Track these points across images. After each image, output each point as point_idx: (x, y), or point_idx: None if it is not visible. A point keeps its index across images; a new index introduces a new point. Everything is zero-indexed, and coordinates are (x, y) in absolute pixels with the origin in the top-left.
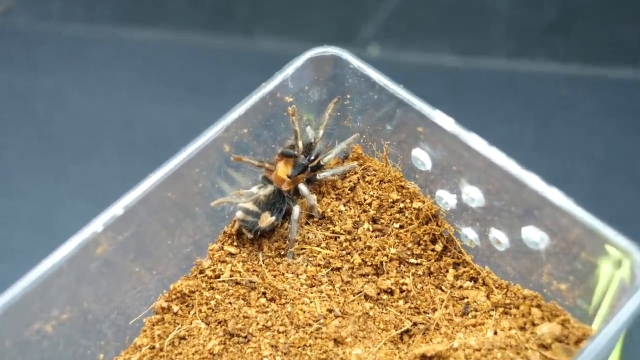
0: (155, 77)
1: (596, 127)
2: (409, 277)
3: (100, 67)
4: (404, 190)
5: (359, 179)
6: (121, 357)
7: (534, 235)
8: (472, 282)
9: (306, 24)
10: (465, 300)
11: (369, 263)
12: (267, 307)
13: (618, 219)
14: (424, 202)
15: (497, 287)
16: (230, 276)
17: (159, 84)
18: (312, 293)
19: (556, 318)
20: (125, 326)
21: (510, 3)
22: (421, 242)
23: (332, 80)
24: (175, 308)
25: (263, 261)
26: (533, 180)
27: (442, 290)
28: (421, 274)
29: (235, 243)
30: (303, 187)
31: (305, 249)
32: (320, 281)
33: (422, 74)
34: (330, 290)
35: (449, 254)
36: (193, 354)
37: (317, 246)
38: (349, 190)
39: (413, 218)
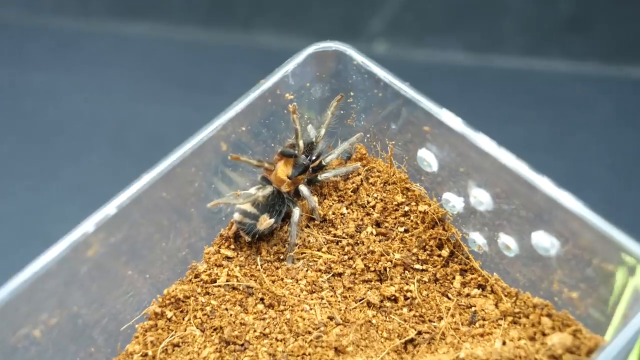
0: (150, 74)
1: (613, 129)
2: (413, 283)
3: (93, 62)
4: (409, 193)
5: (362, 181)
6: None
7: (544, 241)
8: (480, 289)
9: (308, 18)
10: (473, 308)
11: (372, 269)
12: (265, 313)
13: (634, 224)
14: (430, 205)
15: (506, 295)
16: (227, 281)
17: (154, 80)
18: (312, 299)
19: (567, 328)
20: (116, 332)
21: None
22: (427, 247)
23: (335, 77)
24: (169, 314)
25: (261, 265)
26: (544, 184)
27: (449, 298)
28: (426, 280)
29: (232, 246)
30: (304, 189)
31: (305, 253)
32: (321, 287)
33: (431, 72)
34: (332, 296)
35: (455, 259)
36: None
37: (318, 250)
38: (351, 192)
39: (418, 222)
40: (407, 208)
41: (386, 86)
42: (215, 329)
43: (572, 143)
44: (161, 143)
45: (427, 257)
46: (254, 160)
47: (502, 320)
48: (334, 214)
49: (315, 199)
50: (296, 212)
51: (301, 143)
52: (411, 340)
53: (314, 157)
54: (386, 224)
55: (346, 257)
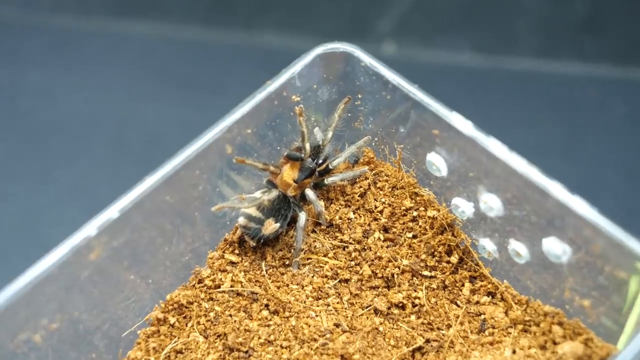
0: (150, 73)
1: (628, 132)
2: (422, 290)
3: (92, 61)
4: (417, 198)
5: (369, 185)
6: None
7: (556, 248)
8: (490, 297)
9: (313, 18)
10: (482, 316)
11: (380, 275)
12: (270, 320)
13: None
14: (439, 210)
15: (516, 303)
16: (231, 286)
17: (154, 80)
18: (318, 306)
19: (579, 336)
20: (118, 338)
21: None
22: (435, 253)
23: (342, 79)
24: (171, 320)
25: (266, 271)
26: (556, 189)
27: (458, 306)
28: (435, 287)
29: (236, 251)
30: (310, 193)
31: (311, 258)
32: (327, 293)
33: (441, 74)
34: (338, 303)
35: (465, 266)
36: None
37: (324, 256)
38: (359, 196)
39: (427, 227)
40: (415, 213)
41: (395, 88)
42: (219, 336)
43: (585, 147)
44: (161, 144)
45: (436, 264)
46: (260, 163)
47: (512, 328)
48: (340, 218)
49: (322, 203)
50: (302, 217)
51: (308, 146)
52: (419, 349)
53: (320, 161)
54: (394, 230)
55: (353, 263)
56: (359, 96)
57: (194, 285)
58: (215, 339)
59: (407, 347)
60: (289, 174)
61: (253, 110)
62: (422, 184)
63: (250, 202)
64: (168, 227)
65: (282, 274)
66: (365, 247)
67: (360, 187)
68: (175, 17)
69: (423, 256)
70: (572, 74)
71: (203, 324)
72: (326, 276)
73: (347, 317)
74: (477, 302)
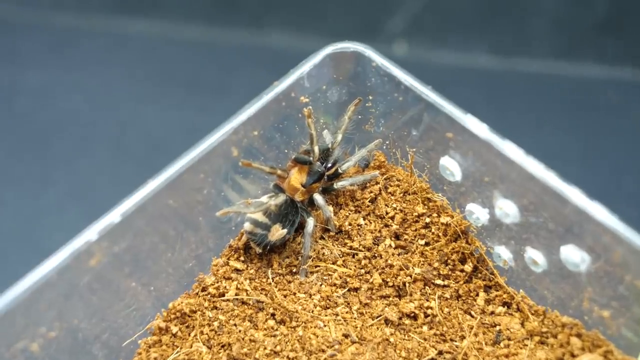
0: (152, 74)
1: None
2: (434, 300)
3: (92, 61)
4: (430, 203)
5: (380, 190)
6: None
7: (574, 256)
8: (505, 307)
9: (323, 17)
10: (497, 327)
11: (391, 284)
12: (276, 330)
13: None
14: (452, 216)
15: (532, 314)
16: (236, 295)
17: (156, 81)
18: (326, 315)
19: (598, 349)
20: (118, 348)
21: None
22: (449, 261)
23: (352, 80)
24: (174, 329)
25: (272, 279)
26: (574, 195)
27: (472, 316)
28: (448, 297)
29: (242, 258)
30: (318, 198)
31: (319, 266)
32: (336, 302)
33: (455, 76)
34: (347, 313)
35: (479, 275)
36: None
37: (333, 263)
38: (369, 202)
39: (440, 234)
40: (428, 219)
41: (407, 90)
42: (223, 346)
43: (605, 153)
44: (163, 147)
45: (449, 272)
46: (266, 166)
47: (528, 340)
48: (350, 225)
49: (331, 208)
50: (310, 223)
51: (316, 149)
52: None
53: (329, 165)
54: (406, 237)
55: (363, 271)
56: (370, 97)
57: (197, 294)
58: (219, 349)
59: (419, 359)
60: (296, 178)
61: (260, 111)
62: (435, 189)
63: (256, 207)
64: (171, 233)
65: (289, 282)
66: (376, 255)
67: (371, 192)
68: (179, 15)
69: (436, 264)
70: (590, 76)
71: (206, 333)
72: (335, 284)
73: (357, 327)
74: (492, 313)
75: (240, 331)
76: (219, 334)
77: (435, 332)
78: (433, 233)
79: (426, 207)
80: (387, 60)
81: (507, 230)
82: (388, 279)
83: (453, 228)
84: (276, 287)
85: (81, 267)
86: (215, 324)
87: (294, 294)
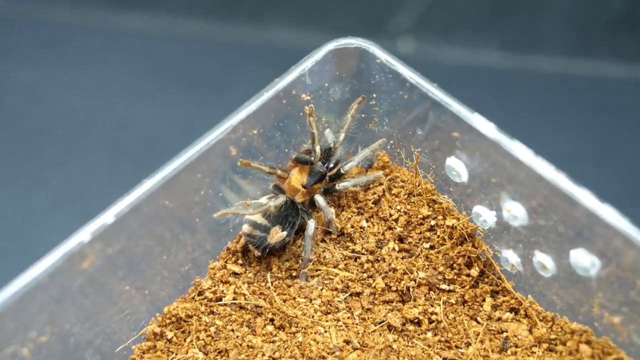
0: (149, 71)
1: None
2: (439, 305)
3: (86, 57)
4: (435, 205)
5: (384, 191)
6: None
7: (584, 260)
8: (513, 313)
9: (327, 12)
10: (504, 334)
11: (394, 288)
12: (275, 335)
13: None
14: (458, 219)
15: (541, 320)
16: (234, 299)
17: (153, 79)
18: (327, 321)
19: (608, 356)
20: (111, 354)
21: None
22: (454, 265)
23: (356, 77)
24: (169, 334)
25: (272, 283)
26: (584, 197)
27: (478, 322)
28: (454, 302)
29: (240, 261)
30: (320, 199)
31: (320, 270)
32: (337, 308)
33: (463, 74)
34: (348, 318)
35: (486, 280)
36: None
37: (335, 267)
38: (372, 203)
39: (446, 237)
40: (433, 222)
41: (412, 87)
42: (219, 352)
43: (620, 155)
44: (160, 147)
45: (455, 277)
46: (266, 166)
47: (536, 347)
48: (352, 227)
49: (333, 210)
50: (311, 225)
51: (318, 149)
52: None
53: (331, 165)
54: (410, 240)
55: (365, 275)
56: (374, 95)
57: (193, 298)
58: (216, 355)
59: None
60: (297, 178)
61: (260, 109)
62: (440, 191)
63: (255, 209)
64: (167, 235)
65: (289, 286)
66: (379, 258)
67: (374, 193)
68: (177, 10)
69: (441, 268)
70: (605, 75)
71: (203, 339)
72: (336, 289)
73: (359, 333)
74: (499, 319)
75: (237, 337)
76: (216, 340)
77: (440, 338)
78: (438, 236)
79: (431, 209)
80: (391, 56)
81: (515, 234)
82: (391, 284)
83: (459, 231)
84: (275, 291)
85: (73, 270)
86: (212, 329)
87: (294, 298)
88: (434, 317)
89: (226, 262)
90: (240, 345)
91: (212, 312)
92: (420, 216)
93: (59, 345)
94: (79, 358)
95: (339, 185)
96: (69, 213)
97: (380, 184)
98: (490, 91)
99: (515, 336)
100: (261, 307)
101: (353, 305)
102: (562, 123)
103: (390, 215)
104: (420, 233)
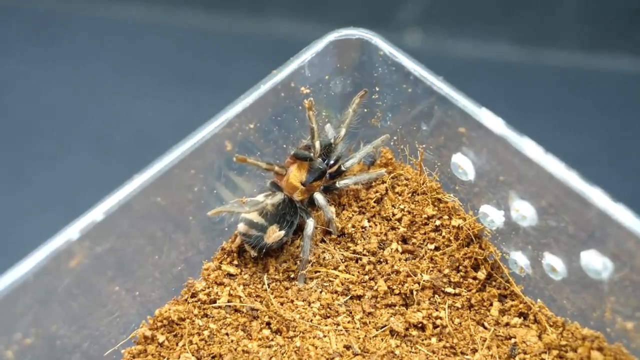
0: (143, 64)
1: None
2: (444, 309)
3: (76, 49)
4: (441, 205)
5: (387, 190)
6: None
7: (595, 262)
8: (521, 318)
9: (330, 3)
10: (513, 340)
11: (397, 291)
12: (272, 340)
13: None
14: (465, 219)
15: (551, 325)
16: (229, 302)
17: (147, 71)
18: (326, 325)
19: None
20: (99, 358)
21: None
22: (460, 267)
23: (358, 69)
24: (160, 338)
25: (268, 285)
26: (596, 196)
27: (485, 327)
28: (459, 306)
29: (235, 262)
30: (319, 197)
31: (319, 271)
32: (337, 311)
33: (473, 68)
34: (349, 322)
35: (493, 283)
36: None
37: (335, 269)
38: (374, 202)
39: (451, 238)
40: (438, 222)
41: (417, 81)
42: (213, 357)
43: (637, 154)
44: (153, 144)
45: (461, 280)
46: (263, 162)
47: (546, 354)
48: (353, 227)
49: (333, 209)
50: (310, 224)
51: (318, 144)
52: None
53: (332, 161)
54: (414, 240)
55: (367, 277)
56: (377, 89)
57: (186, 300)
58: None
59: None
60: (296, 175)
61: (257, 102)
62: (446, 189)
63: (251, 207)
64: (158, 234)
65: (287, 288)
66: (381, 260)
67: (377, 191)
68: (172, 1)
69: (446, 271)
70: (623, 70)
71: (196, 343)
72: (336, 292)
73: (359, 338)
74: (507, 324)
75: (232, 341)
76: (210, 344)
77: (444, 344)
78: (443, 237)
79: (436, 208)
80: (395, 48)
81: (524, 235)
82: (394, 286)
83: (465, 231)
84: (272, 293)
85: (60, 269)
86: (206, 333)
87: (292, 301)
88: (438, 321)
89: (221, 262)
90: (235, 350)
91: (206, 315)
92: (425, 216)
93: (45, 348)
94: None
95: (340, 183)
96: (56, 213)
97: (383, 182)
98: (500, 86)
99: (524, 342)
100: (257, 310)
101: (354, 309)
102: (576, 121)
103: (393, 215)
104: (425, 233)
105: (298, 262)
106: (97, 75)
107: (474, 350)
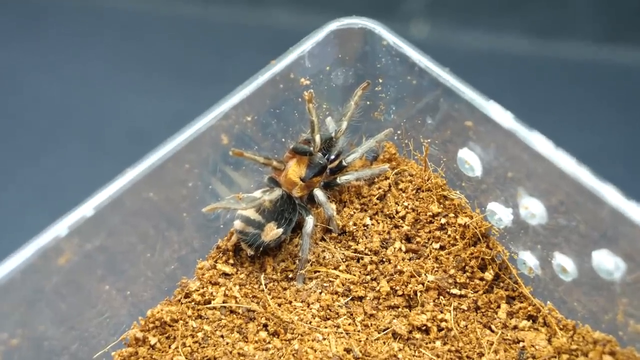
0: (136, 55)
1: None
2: (449, 311)
3: (66, 40)
4: (446, 202)
5: (390, 186)
6: None
7: (607, 262)
8: (530, 321)
9: None
10: (521, 344)
11: (400, 292)
12: (269, 343)
13: None
14: (471, 217)
15: (561, 329)
16: (224, 302)
17: (140, 63)
18: (326, 327)
19: None
20: None
21: None
22: (467, 268)
23: (360, 60)
24: (152, 340)
25: (265, 285)
26: (608, 193)
27: (492, 331)
28: (465, 308)
29: (231, 261)
30: (319, 194)
31: (319, 271)
32: (337, 313)
33: (482, 61)
34: (350, 325)
35: (501, 284)
36: None
37: (335, 269)
38: (377, 199)
39: (457, 237)
40: (443, 220)
41: (422, 72)
42: None
43: None
44: (146, 140)
45: (467, 281)
46: (261, 157)
47: (555, 358)
48: (355, 225)
49: (333, 206)
50: (309, 222)
51: (318, 138)
52: None
53: (332, 156)
54: (418, 239)
55: (369, 277)
56: (380, 81)
57: (179, 300)
58: None
59: None
60: (295, 170)
61: (254, 94)
62: (452, 186)
63: (248, 203)
64: (151, 231)
65: (285, 289)
66: (384, 259)
67: (379, 188)
68: None
69: (452, 271)
70: (638, 64)
71: (189, 345)
72: (336, 292)
73: (361, 341)
74: (515, 327)
75: (227, 344)
76: (204, 347)
77: (449, 348)
78: (449, 236)
79: (442, 206)
80: (399, 38)
81: (533, 234)
82: (397, 287)
83: (472, 230)
84: (269, 294)
85: (48, 267)
86: (200, 335)
87: (290, 302)
88: (443, 324)
89: (216, 261)
90: (231, 352)
91: (200, 316)
92: (430, 213)
93: (32, 349)
94: None
95: (341, 179)
96: (43, 211)
97: (386, 178)
98: (509, 80)
99: (533, 346)
100: (254, 311)
101: (355, 311)
102: (590, 116)
103: (397, 212)
104: (430, 232)
105: (297, 261)
106: (88, 66)
107: (481, 355)
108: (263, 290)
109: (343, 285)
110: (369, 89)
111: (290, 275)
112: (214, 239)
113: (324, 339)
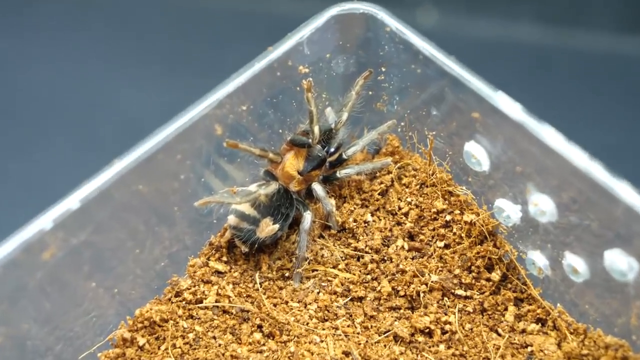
0: (127, 42)
1: None
2: (454, 314)
3: (54, 28)
4: (452, 198)
5: (393, 181)
6: None
7: (620, 263)
8: (539, 324)
9: None
10: (529, 348)
11: (402, 293)
12: (263, 345)
13: None
14: (478, 214)
15: (571, 333)
16: (216, 302)
17: (132, 51)
18: (323, 329)
19: None
20: None
21: None
22: (473, 267)
23: (362, 47)
24: (141, 341)
25: (260, 284)
26: (622, 189)
27: (499, 334)
28: (471, 310)
29: (224, 258)
30: (318, 188)
31: (317, 270)
32: (336, 314)
33: (492, 50)
34: (349, 326)
35: (509, 285)
36: None
37: (334, 267)
38: (379, 194)
39: (463, 235)
40: (448, 217)
41: (427, 61)
42: None
43: None
44: (138, 132)
45: (473, 281)
46: (256, 149)
47: None
48: (355, 221)
49: (333, 201)
50: (307, 218)
51: (317, 130)
52: None
53: (332, 149)
54: (421, 237)
55: (369, 277)
56: (383, 69)
57: (170, 299)
58: None
59: None
60: (292, 163)
61: (250, 82)
62: (457, 181)
63: (243, 197)
64: (140, 226)
65: (280, 288)
66: (385, 258)
67: (382, 183)
68: None
69: (457, 271)
70: None
71: (180, 347)
72: (335, 293)
73: (360, 344)
74: (523, 331)
75: (220, 345)
76: (195, 348)
77: (454, 352)
78: (454, 234)
79: (447, 202)
80: (403, 24)
81: (543, 232)
82: (399, 288)
83: (478, 228)
84: (265, 293)
85: (32, 262)
86: (191, 336)
87: (286, 302)
88: (447, 327)
89: (208, 258)
90: (223, 355)
91: (191, 316)
92: (434, 210)
93: (15, 348)
94: None
95: (341, 173)
96: (32, 207)
97: (389, 173)
98: (521, 70)
99: (542, 351)
100: (248, 311)
101: (354, 312)
102: (605, 110)
103: (400, 209)
104: (434, 230)
105: (293, 259)
106: (77, 54)
107: (487, 359)
108: (258, 290)
109: (342, 285)
110: (371, 78)
111: (287, 274)
112: (207, 235)
113: (322, 341)
